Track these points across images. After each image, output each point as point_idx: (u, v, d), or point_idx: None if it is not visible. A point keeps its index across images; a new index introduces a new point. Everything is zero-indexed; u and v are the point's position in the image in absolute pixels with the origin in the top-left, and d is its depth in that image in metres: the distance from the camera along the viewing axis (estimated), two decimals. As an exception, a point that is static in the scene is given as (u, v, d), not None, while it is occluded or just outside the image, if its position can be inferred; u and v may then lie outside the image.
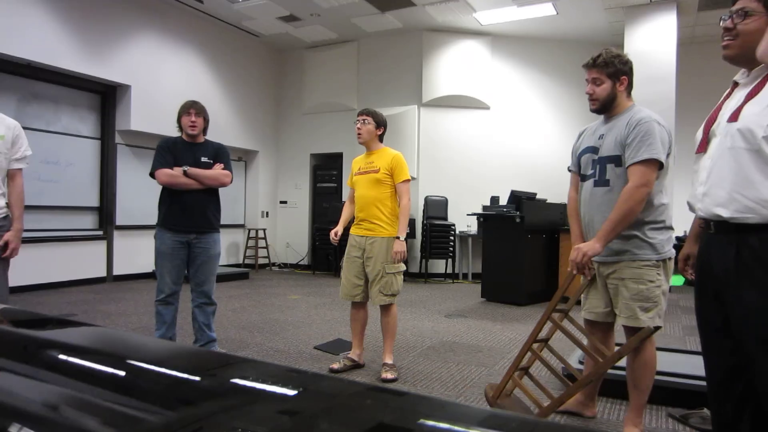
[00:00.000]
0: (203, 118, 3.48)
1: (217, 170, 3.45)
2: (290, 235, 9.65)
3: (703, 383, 2.69)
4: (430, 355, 3.83)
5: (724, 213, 1.56)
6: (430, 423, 0.59)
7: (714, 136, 1.66)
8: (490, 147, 8.34)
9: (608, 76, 2.30)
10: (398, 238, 3.29)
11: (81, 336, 0.98)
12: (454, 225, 7.97)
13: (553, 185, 7.16)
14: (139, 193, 7.09)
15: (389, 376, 3.22)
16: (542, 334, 2.48)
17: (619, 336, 2.56)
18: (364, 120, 3.41)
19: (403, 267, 3.37)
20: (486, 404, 2.54)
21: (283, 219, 9.74)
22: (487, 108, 8.40)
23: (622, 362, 2.45)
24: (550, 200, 6.60)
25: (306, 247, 9.50)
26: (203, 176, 3.38)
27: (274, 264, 9.55)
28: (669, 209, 2.31)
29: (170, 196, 3.38)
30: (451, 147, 8.35)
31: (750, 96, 1.57)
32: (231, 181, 3.53)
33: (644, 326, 2.21)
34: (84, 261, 6.77)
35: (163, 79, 7.42)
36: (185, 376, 0.74)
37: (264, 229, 9.26)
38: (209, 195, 3.45)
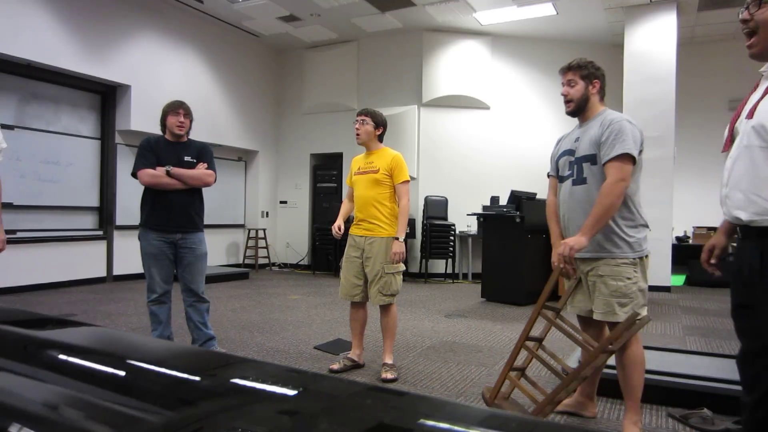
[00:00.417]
0: (190, 119, 3.46)
1: (201, 170, 3.42)
2: (290, 235, 9.65)
3: (703, 383, 2.72)
4: (430, 355, 3.83)
5: (743, 216, 1.52)
6: (430, 423, 0.59)
7: (737, 133, 1.61)
8: (490, 147, 8.34)
9: (582, 78, 2.45)
10: (397, 239, 3.29)
11: (81, 336, 0.98)
12: (454, 225, 7.96)
13: (553, 185, 7.14)
14: (139, 193, 7.03)
15: (389, 376, 3.22)
16: (536, 333, 2.49)
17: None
18: (362, 120, 3.40)
19: (402, 267, 3.37)
20: (485, 405, 2.54)
21: (283, 219, 9.74)
22: (487, 108, 8.40)
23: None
24: (550, 200, 6.59)
25: (306, 247, 9.50)
26: (187, 176, 3.36)
27: (274, 264, 9.55)
28: (642, 207, 2.38)
29: (153, 197, 3.36)
30: (451, 147, 8.35)
31: (752, 91, 1.54)
32: (215, 181, 3.50)
33: (619, 321, 2.28)
34: (84, 261, 6.77)
35: (163, 79, 7.42)
36: (185, 376, 0.74)
37: (264, 229, 9.26)
38: (192, 195, 3.43)
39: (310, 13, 7.70)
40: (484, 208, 6.65)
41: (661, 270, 6.83)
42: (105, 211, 7.00)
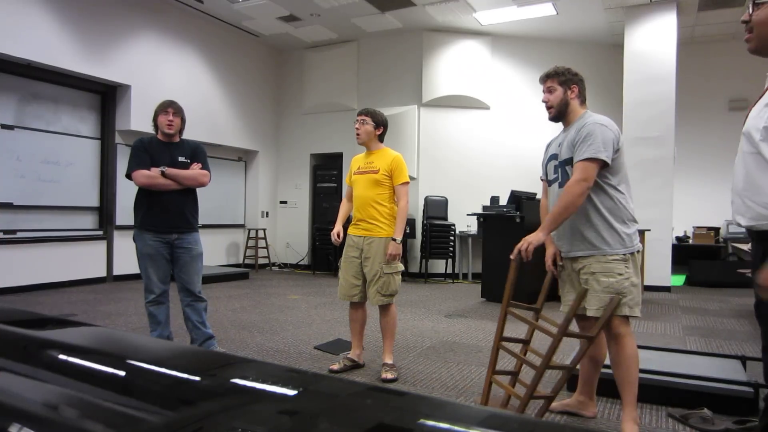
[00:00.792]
0: (180, 118, 3.45)
1: (196, 170, 3.42)
2: (290, 235, 9.64)
3: (703, 383, 2.72)
4: (430, 355, 3.83)
5: (743, 222, 1.56)
6: (430, 423, 0.59)
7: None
8: (490, 147, 8.34)
9: (560, 84, 2.54)
10: (394, 239, 3.28)
11: (81, 336, 0.98)
12: (454, 225, 7.96)
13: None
14: (139, 193, 7.08)
15: (389, 376, 3.22)
16: (521, 335, 2.52)
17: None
18: (362, 120, 3.40)
19: (401, 267, 3.37)
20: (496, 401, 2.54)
21: (283, 219, 9.74)
22: (487, 108, 8.40)
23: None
24: (550, 200, 6.59)
25: (306, 247, 9.50)
26: (182, 176, 3.36)
27: (274, 264, 9.55)
28: (630, 202, 2.43)
29: (147, 198, 3.35)
30: (451, 147, 8.35)
31: (761, 96, 1.56)
32: (209, 181, 3.49)
33: (615, 317, 2.32)
34: (84, 261, 6.77)
35: (163, 79, 7.42)
36: (185, 376, 0.74)
37: (264, 229, 9.26)
38: (187, 195, 3.43)
39: (310, 13, 7.70)
40: (484, 208, 6.64)
41: (661, 270, 6.83)
42: (105, 211, 7.00)
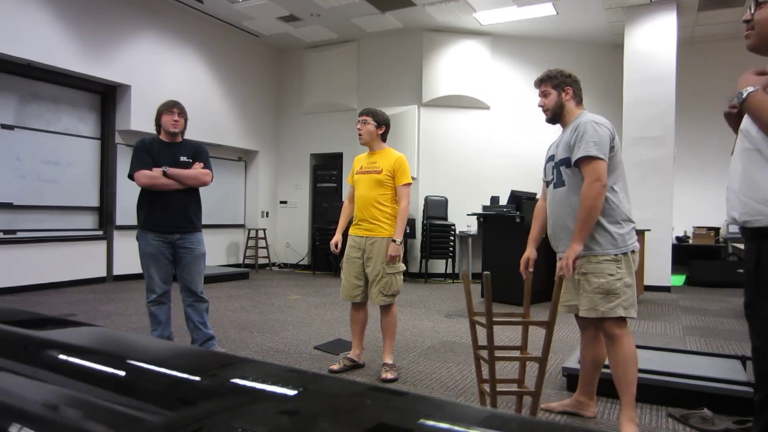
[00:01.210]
0: (184, 118, 3.46)
1: (198, 169, 3.42)
2: (290, 235, 9.65)
3: (703, 383, 2.72)
4: (430, 355, 3.83)
5: (737, 217, 1.56)
6: (430, 423, 0.59)
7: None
8: (490, 147, 8.34)
9: (553, 87, 2.57)
10: (394, 240, 3.28)
11: (81, 336, 0.98)
12: (454, 225, 7.96)
13: (553, 185, 7.15)
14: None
15: (389, 376, 3.22)
16: (516, 342, 2.54)
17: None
18: (364, 120, 3.39)
19: (402, 267, 3.37)
20: (490, 405, 2.54)
21: (283, 219, 9.74)
22: (487, 108, 8.40)
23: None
24: (550, 200, 6.60)
25: (306, 247, 9.50)
26: (184, 176, 3.36)
27: (274, 264, 9.55)
28: (625, 202, 2.43)
29: (150, 198, 3.36)
30: (451, 147, 8.35)
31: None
32: (211, 180, 3.50)
33: (605, 316, 2.34)
34: (84, 261, 6.77)
35: (163, 79, 7.42)
36: (185, 376, 0.74)
37: (264, 229, 9.26)
38: (189, 195, 3.43)
39: (310, 13, 7.70)
40: (484, 208, 6.64)
41: (661, 270, 6.83)
42: (105, 211, 7.00)
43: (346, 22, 8.04)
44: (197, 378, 0.73)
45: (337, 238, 3.45)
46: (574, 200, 2.41)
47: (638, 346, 2.49)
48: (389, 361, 3.33)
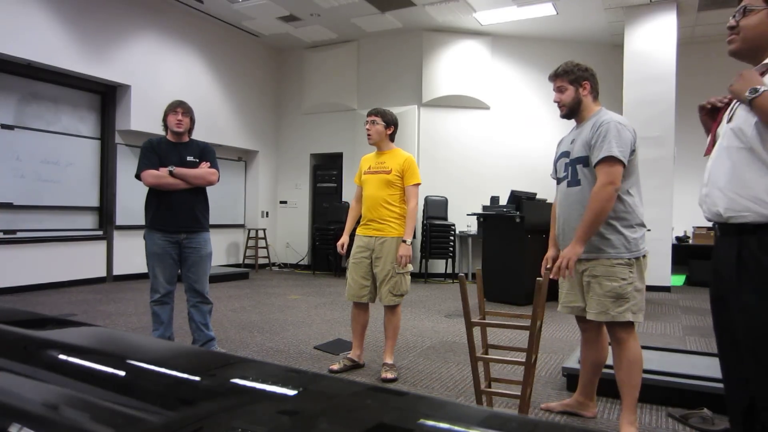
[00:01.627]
0: (189, 118, 3.47)
1: (204, 169, 3.43)
2: (290, 235, 9.65)
3: (703, 383, 2.72)
4: (430, 355, 3.83)
5: (723, 212, 1.59)
6: (430, 423, 0.59)
7: (718, 137, 1.69)
8: (490, 147, 8.34)
9: (570, 82, 2.48)
10: (404, 241, 3.28)
11: (81, 336, 0.98)
12: (454, 225, 7.97)
13: (553, 185, 7.13)
14: (139, 193, 6.98)
15: (389, 376, 3.22)
16: (516, 342, 2.50)
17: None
18: (373, 120, 3.39)
19: (410, 267, 3.38)
20: (486, 404, 2.54)
21: (283, 219, 9.74)
22: (487, 108, 8.40)
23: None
24: (550, 200, 6.58)
25: (306, 247, 9.50)
26: (190, 175, 3.37)
27: (274, 264, 9.55)
28: (639, 207, 2.39)
29: (157, 197, 3.37)
30: (451, 147, 8.35)
31: None
32: (218, 180, 3.51)
33: (615, 320, 2.31)
34: (84, 261, 6.77)
35: (163, 79, 7.42)
36: (185, 376, 0.74)
37: (264, 229, 9.26)
38: (196, 194, 3.44)
39: (310, 13, 7.70)
40: (484, 208, 6.64)
41: (661, 270, 6.83)
42: (105, 211, 7.00)
43: (346, 22, 8.04)
44: (197, 378, 0.73)
45: (345, 239, 3.45)
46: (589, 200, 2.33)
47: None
48: (389, 361, 3.33)
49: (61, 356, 0.82)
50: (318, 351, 3.89)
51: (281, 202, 9.77)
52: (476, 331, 2.55)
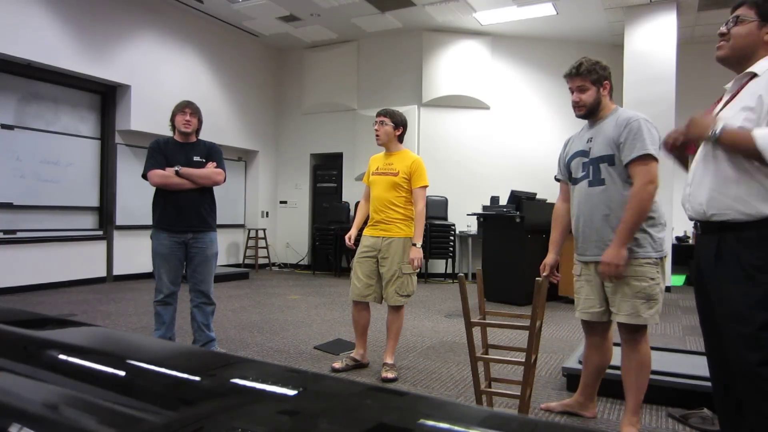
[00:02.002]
0: (197, 118, 3.48)
1: (210, 168, 3.44)
2: (290, 235, 9.65)
3: (703, 383, 2.71)
4: (430, 355, 3.83)
5: (706, 210, 1.66)
6: (430, 423, 0.59)
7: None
8: (490, 147, 8.34)
9: (592, 83, 2.39)
10: (415, 245, 3.28)
11: (81, 336, 0.98)
12: (454, 225, 7.96)
13: (553, 185, 7.08)
14: (139, 193, 7.08)
15: (389, 375, 3.22)
16: (516, 342, 2.50)
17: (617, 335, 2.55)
18: (381, 121, 3.39)
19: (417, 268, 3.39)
20: (486, 404, 2.54)
21: (283, 219, 9.74)
22: (487, 108, 8.40)
23: (618, 361, 2.46)
24: (550, 200, 6.59)
25: (306, 247, 9.50)
26: (196, 175, 3.37)
27: (274, 264, 9.55)
28: (661, 207, 2.36)
29: (164, 197, 3.37)
30: (451, 147, 8.35)
31: (728, 101, 1.73)
32: (224, 180, 3.52)
33: (646, 323, 2.27)
34: (84, 261, 6.77)
35: (163, 79, 7.42)
36: (185, 376, 0.74)
37: (264, 229, 9.26)
38: (203, 194, 3.44)
39: (310, 13, 7.70)
40: (484, 208, 6.64)
41: (661, 270, 6.82)
42: (105, 211, 7.00)
43: (346, 22, 8.04)
44: (197, 378, 0.73)
45: (353, 232, 3.46)
46: (615, 201, 2.28)
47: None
48: (390, 361, 3.33)
49: (61, 356, 0.82)
50: (318, 351, 3.89)
51: (281, 202, 9.77)
52: (476, 332, 2.53)
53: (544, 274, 2.56)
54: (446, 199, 8.12)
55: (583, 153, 2.42)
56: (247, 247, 9.21)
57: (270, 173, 9.67)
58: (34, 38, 5.89)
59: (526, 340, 2.32)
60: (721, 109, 1.73)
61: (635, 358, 2.31)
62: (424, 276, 7.96)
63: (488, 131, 8.39)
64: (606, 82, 2.41)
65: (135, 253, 7.22)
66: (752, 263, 1.57)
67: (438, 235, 7.89)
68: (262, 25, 8.28)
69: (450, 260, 8.02)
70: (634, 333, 2.31)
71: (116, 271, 7.10)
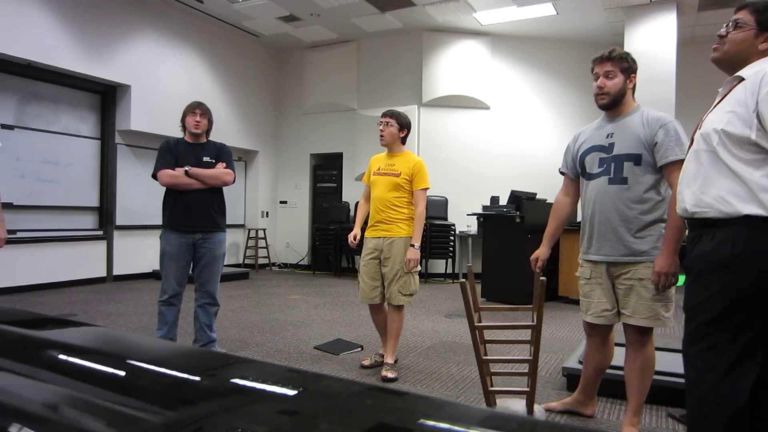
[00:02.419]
0: (208, 119, 3.50)
1: (219, 169, 3.46)
2: (290, 235, 9.65)
3: (703, 383, 2.71)
4: (430, 355, 3.83)
5: (689, 208, 1.71)
6: (430, 423, 0.59)
7: (694, 142, 1.80)
8: (490, 147, 8.34)
9: (622, 71, 2.32)
10: (413, 245, 3.29)
11: (81, 336, 0.98)
12: (454, 225, 7.96)
13: (553, 185, 7.09)
14: (139, 193, 7.10)
15: (389, 375, 3.22)
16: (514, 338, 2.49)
17: (619, 336, 2.55)
18: (387, 122, 3.40)
19: (418, 267, 3.42)
20: (486, 404, 2.54)
21: (283, 219, 9.74)
22: (487, 108, 8.40)
23: (620, 362, 2.46)
24: (550, 200, 6.58)
25: (306, 247, 9.50)
26: (205, 176, 3.39)
27: (274, 264, 9.55)
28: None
29: (173, 197, 3.39)
30: (451, 147, 8.35)
31: (716, 104, 1.76)
32: (234, 180, 3.54)
33: (664, 325, 2.27)
34: (84, 261, 6.77)
35: (163, 79, 7.42)
36: (185, 376, 0.74)
37: (264, 229, 9.26)
38: (212, 194, 3.46)
39: (310, 13, 7.70)
40: (484, 208, 6.64)
41: (661, 270, 6.82)
42: (105, 211, 7.00)
43: (346, 22, 8.04)
44: (197, 378, 0.73)
45: (356, 231, 3.47)
46: (635, 201, 2.23)
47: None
48: (390, 361, 3.33)
49: (61, 356, 0.82)
50: (318, 351, 3.89)
51: (281, 202, 9.77)
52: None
53: (538, 270, 2.55)
54: (446, 199, 8.12)
55: (602, 148, 2.34)
56: (247, 247, 9.21)
57: (270, 173, 9.67)
58: (34, 38, 5.89)
59: (525, 336, 2.32)
60: (710, 111, 1.77)
61: (641, 359, 2.30)
62: (424, 276, 7.96)
63: (488, 131, 8.39)
64: (633, 75, 2.35)
65: (135, 253, 7.22)
66: (719, 260, 1.61)
67: (438, 235, 7.89)
68: (262, 25, 8.28)
69: (450, 260, 8.02)
70: (643, 335, 2.29)
71: (116, 271, 7.10)
